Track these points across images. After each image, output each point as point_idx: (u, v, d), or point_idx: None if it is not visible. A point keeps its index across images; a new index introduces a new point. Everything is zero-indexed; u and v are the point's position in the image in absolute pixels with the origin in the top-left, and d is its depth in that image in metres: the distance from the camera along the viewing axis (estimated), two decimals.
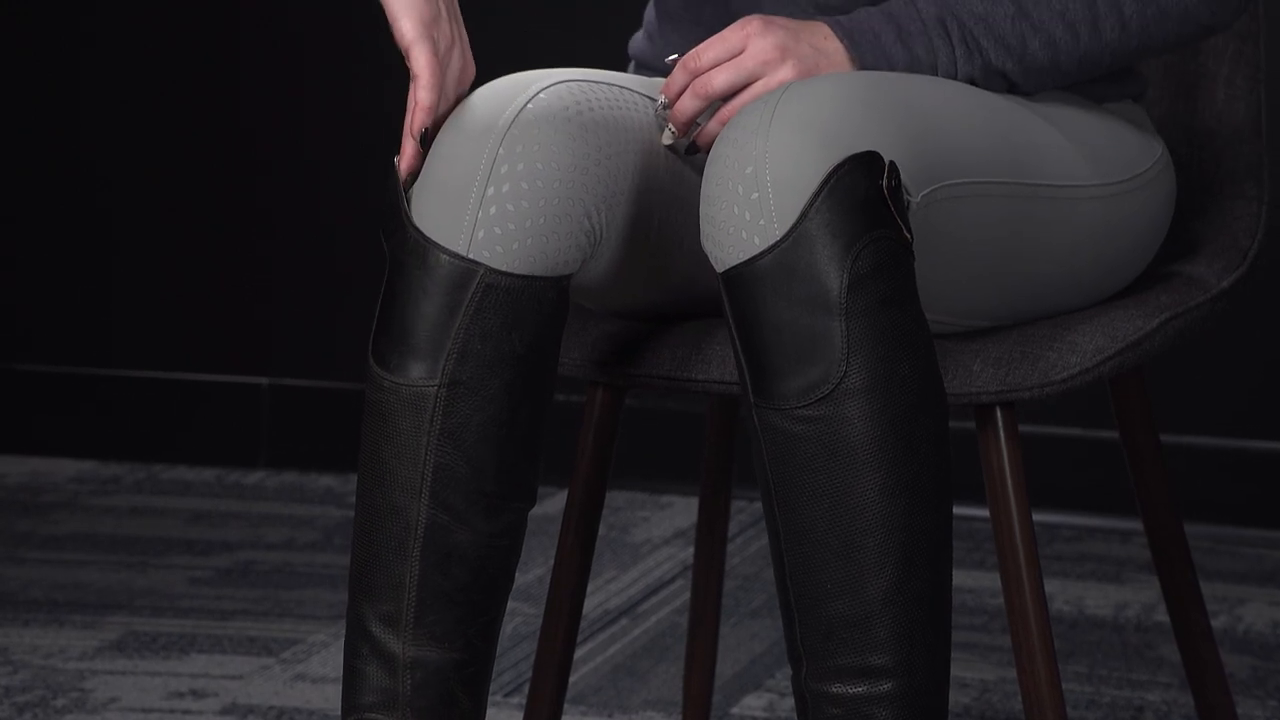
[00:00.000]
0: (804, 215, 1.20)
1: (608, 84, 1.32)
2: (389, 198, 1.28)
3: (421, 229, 1.27)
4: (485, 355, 1.26)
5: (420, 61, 1.28)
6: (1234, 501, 2.27)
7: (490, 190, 1.26)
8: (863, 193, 1.20)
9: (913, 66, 1.32)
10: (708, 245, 1.24)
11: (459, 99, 1.31)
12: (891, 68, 1.31)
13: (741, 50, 1.30)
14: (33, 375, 2.58)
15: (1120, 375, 1.45)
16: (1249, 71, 1.51)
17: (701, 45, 1.31)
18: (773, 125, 1.22)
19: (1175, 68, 1.53)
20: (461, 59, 1.31)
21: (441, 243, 1.26)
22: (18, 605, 2.06)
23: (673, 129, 1.33)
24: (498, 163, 1.26)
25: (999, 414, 1.33)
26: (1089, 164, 1.37)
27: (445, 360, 1.25)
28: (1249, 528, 2.26)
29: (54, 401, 2.57)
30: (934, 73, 1.32)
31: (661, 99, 1.33)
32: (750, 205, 1.21)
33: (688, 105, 1.31)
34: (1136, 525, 2.20)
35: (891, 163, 1.21)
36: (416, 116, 1.28)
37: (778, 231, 1.20)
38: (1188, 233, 1.51)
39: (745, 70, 1.29)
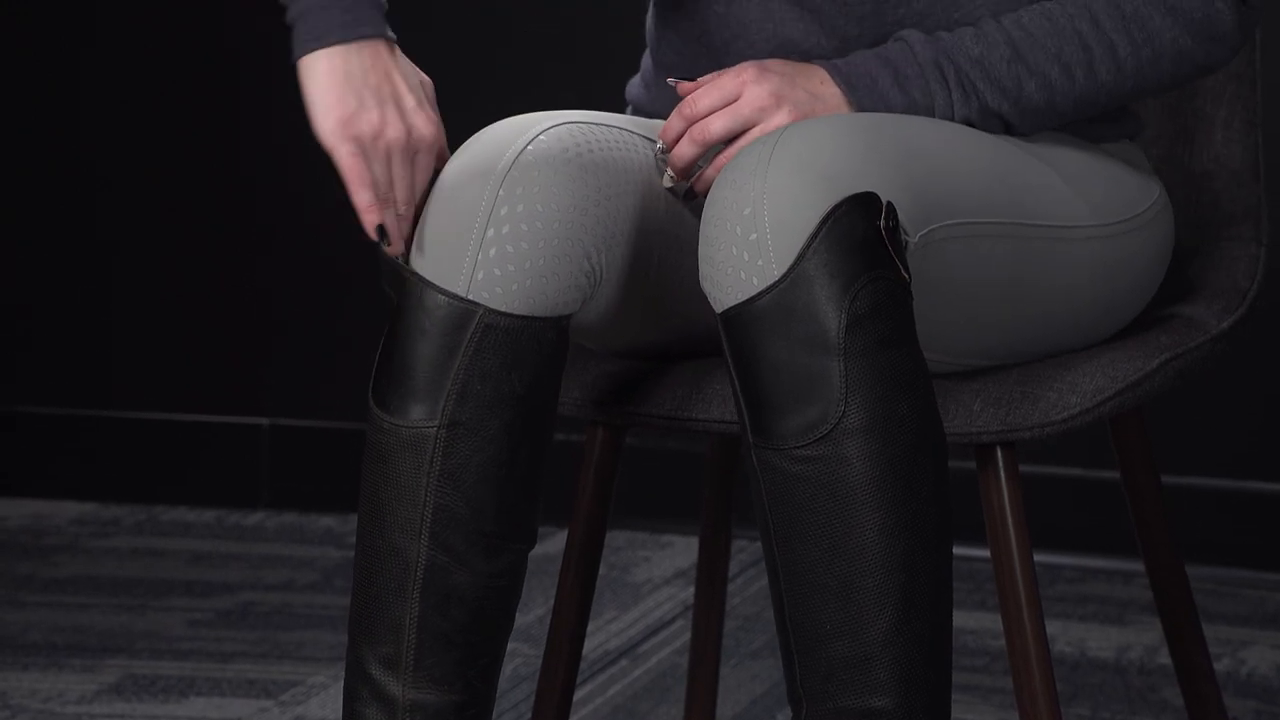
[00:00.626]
0: (802, 256, 1.20)
1: (608, 125, 1.32)
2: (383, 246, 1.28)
3: (421, 271, 1.27)
4: (485, 396, 1.26)
5: (341, 165, 1.26)
6: (1236, 543, 2.26)
7: (490, 232, 1.26)
8: (860, 233, 1.20)
9: (910, 109, 1.32)
10: (706, 285, 1.24)
11: (440, 158, 1.30)
12: (889, 110, 1.32)
13: (737, 97, 1.30)
14: (34, 418, 2.58)
15: (1120, 415, 1.45)
16: (1246, 115, 1.51)
17: (698, 91, 1.31)
18: (770, 166, 1.22)
19: (1174, 110, 1.53)
20: (399, 130, 1.27)
21: (441, 284, 1.26)
22: (17, 649, 2.06)
23: (672, 173, 1.33)
24: (498, 204, 1.26)
25: (999, 454, 1.33)
26: (1086, 205, 1.37)
27: (445, 401, 1.26)
28: (1251, 570, 2.26)
29: (55, 444, 2.57)
30: (931, 115, 1.33)
31: (660, 144, 1.33)
32: (748, 246, 1.21)
33: (685, 151, 1.32)
34: (1139, 566, 2.20)
35: (889, 203, 1.22)
36: (365, 219, 1.27)
37: (776, 272, 1.21)
38: (1187, 274, 1.51)
39: (741, 116, 1.30)
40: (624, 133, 1.33)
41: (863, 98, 1.31)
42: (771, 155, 1.23)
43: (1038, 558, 2.22)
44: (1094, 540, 2.30)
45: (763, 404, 1.21)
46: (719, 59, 1.38)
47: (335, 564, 2.35)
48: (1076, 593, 2.23)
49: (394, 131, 1.27)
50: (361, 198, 1.26)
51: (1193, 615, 1.53)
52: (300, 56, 1.27)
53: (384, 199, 1.27)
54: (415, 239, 1.28)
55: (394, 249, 1.28)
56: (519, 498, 1.28)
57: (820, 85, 1.31)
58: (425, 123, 1.28)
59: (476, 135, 1.30)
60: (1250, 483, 2.27)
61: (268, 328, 2.53)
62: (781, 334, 1.20)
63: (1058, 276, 1.36)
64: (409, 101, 1.27)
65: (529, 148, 1.28)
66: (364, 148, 1.26)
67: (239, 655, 2.05)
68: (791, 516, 1.21)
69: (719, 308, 1.23)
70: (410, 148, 1.27)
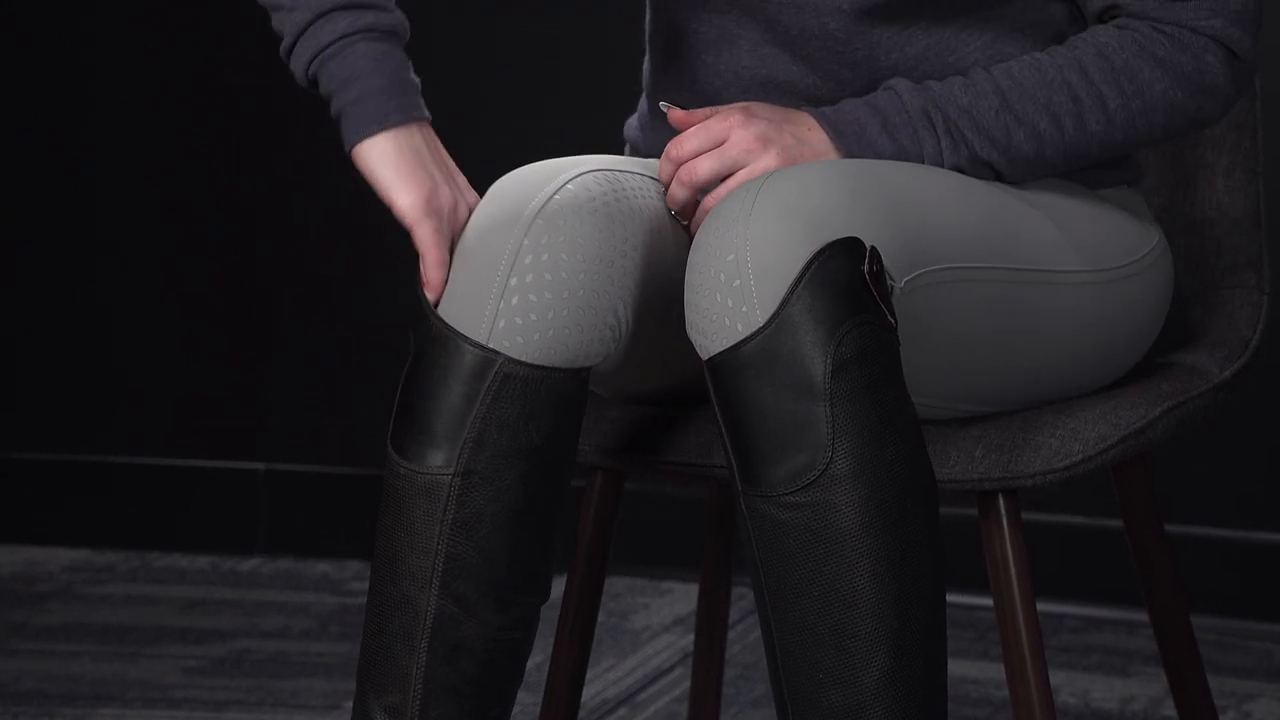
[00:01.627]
0: (786, 301, 1.20)
1: (628, 172, 1.32)
2: (416, 289, 1.28)
3: (444, 318, 1.26)
4: (501, 445, 1.25)
5: (426, 242, 1.28)
6: (1242, 594, 2.25)
7: (514, 280, 1.26)
8: (845, 278, 1.20)
9: (899, 156, 1.32)
10: (692, 333, 1.24)
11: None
12: (877, 157, 1.32)
13: (724, 139, 1.30)
14: (27, 463, 2.56)
15: (1123, 463, 1.45)
16: (1248, 164, 1.52)
17: (685, 134, 1.31)
18: (754, 212, 1.22)
19: (1175, 159, 1.54)
20: (464, 207, 1.30)
21: (463, 331, 1.26)
22: (8, 698, 2.04)
23: (675, 214, 1.33)
24: (522, 252, 1.26)
25: (1001, 501, 1.33)
26: (1080, 250, 1.37)
27: (461, 449, 1.25)
28: (1257, 621, 2.24)
29: (48, 490, 2.56)
30: (920, 162, 1.32)
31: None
32: (733, 292, 1.21)
33: (676, 193, 1.32)
34: (1143, 616, 2.18)
35: (873, 248, 1.21)
36: (427, 291, 1.28)
37: (760, 318, 1.20)
38: (1189, 321, 1.51)
39: (728, 159, 1.30)
40: (642, 178, 1.33)
41: (851, 144, 1.31)
42: (755, 201, 1.22)
43: (1041, 607, 2.20)
44: (1098, 589, 2.29)
45: (750, 451, 1.20)
46: (713, 104, 1.38)
47: (331, 610, 2.33)
48: (1080, 643, 2.22)
49: (462, 208, 1.30)
50: (438, 275, 1.27)
51: (1198, 667, 1.52)
52: (360, 141, 1.30)
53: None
54: (447, 285, 1.28)
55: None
56: (533, 549, 1.27)
57: (808, 131, 1.31)
58: (475, 199, 1.31)
59: (501, 181, 1.30)
60: (1256, 533, 2.26)
61: (263, 372, 2.52)
62: (767, 380, 1.19)
63: (1050, 322, 1.36)
64: (461, 179, 1.32)
65: (556, 196, 1.27)
66: (443, 223, 1.28)
67: (233, 704, 2.03)
68: (782, 564, 1.20)
69: (705, 355, 1.23)
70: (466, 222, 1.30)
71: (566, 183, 1.28)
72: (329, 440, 2.51)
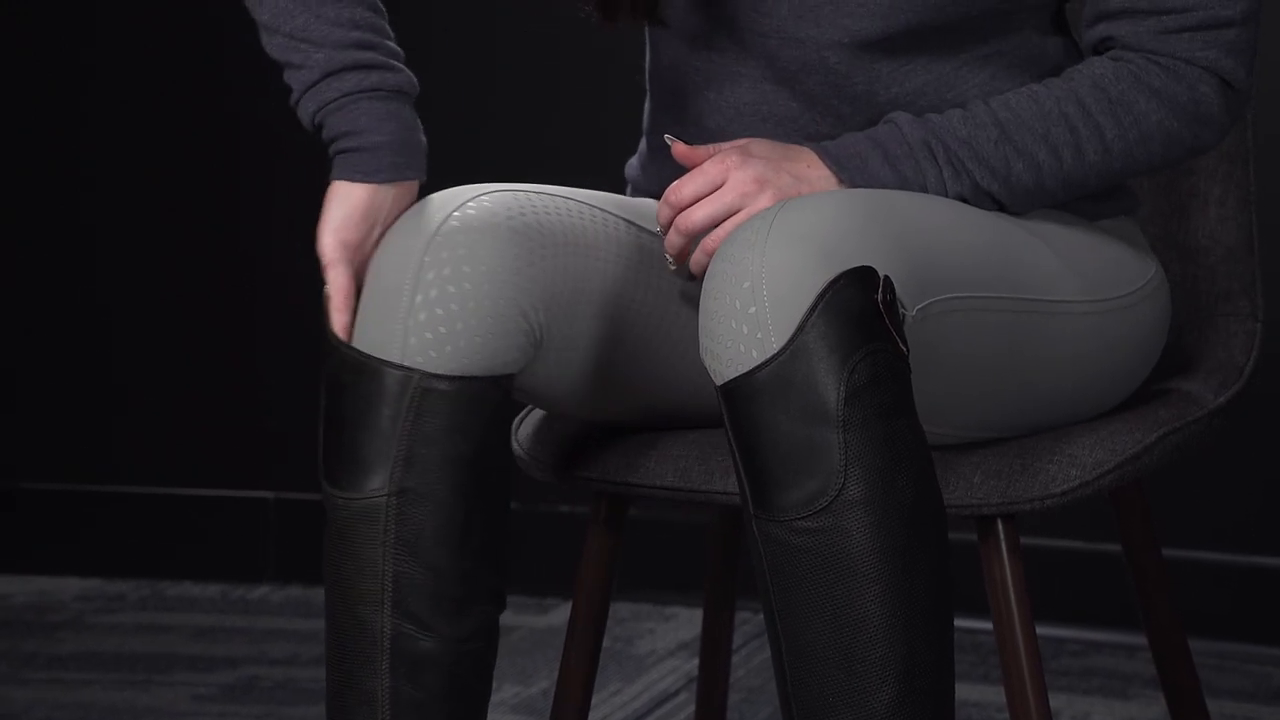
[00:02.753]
0: (801, 328, 1.21)
1: (554, 195, 1.33)
2: (321, 320, 1.30)
3: (355, 343, 1.28)
4: (431, 460, 1.26)
5: (335, 284, 1.31)
6: (1239, 617, 2.26)
7: (419, 297, 1.27)
8: (858, 306, 1.21)
9: (902, 186, 1.33)
10: (706, 359, 1.24)
11: None
12: (881, 189, 1.33)
13: (721, 183, 1.31)
14: (37, 494, 2.57)
15: (1121, 488, 1.46)
16: (1240, 193, 1.53)
17: (682, 179, 1.32)
18: (769, 240, 1.23)
19: (1168, 188, 1.55)
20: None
21: (376, 355, 1.27)
22: None
23: (670, 259, 1.34)
24: (423, 269, 1.27)
25: (1000, 526, 1.33)
26: (1081, 281, 1.38)
27: (393, 469, 1.26)
28: (1255, 644, 2.25)
29: (59, 520, 2.56)
30: (924, 191, 1.34)
31: (659, 228, 1.35)
32: (747, 319, 1.22)
33: (673, 240, 1.33)
34: (1142, 640, 2.19)
35: (886, 277, 1.23)
36: (335, 329, 1.30)
37: (775, 344, 1.21)
38: (1184, 349, 1.52)
39: (724, 204, 1.31)
40: (578, 204, 1.34)
41: (854, 176, 1.32)
42: (770, 229, 1.23)
43: (1040, 630, 2.20)
44: (1097, 613, 2.29)
45: (763, 476, 1.22)
46: (715, 140, 1.39)
47: None
48: (1080, 666, 2.22)
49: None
50: (342, 317, 1.30)
51: (1197, 690, 1.53)
52: (340, 180, 1.33)
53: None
54: (358, 315, 1.30)
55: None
56: (480, 560, 1.28)
57: (807, 168, 1.32)
58: None
59: (411, 207, 1.32)
60: (1254, 557, 2.27)
61: (273, 401, 2.53)
62: (781, 406, 1.20)
63: (1053, 350, 1.37)
64: None
65: (455, 213, 1.29)
66: (356, 269, 1.31)
67: None
68: (793, 588, 1.21)
69: (719, 380, 1.24)
70: None
71: (467, 201, 1.30)
72: None
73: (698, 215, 1.31)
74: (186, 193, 2.54)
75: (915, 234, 1.28)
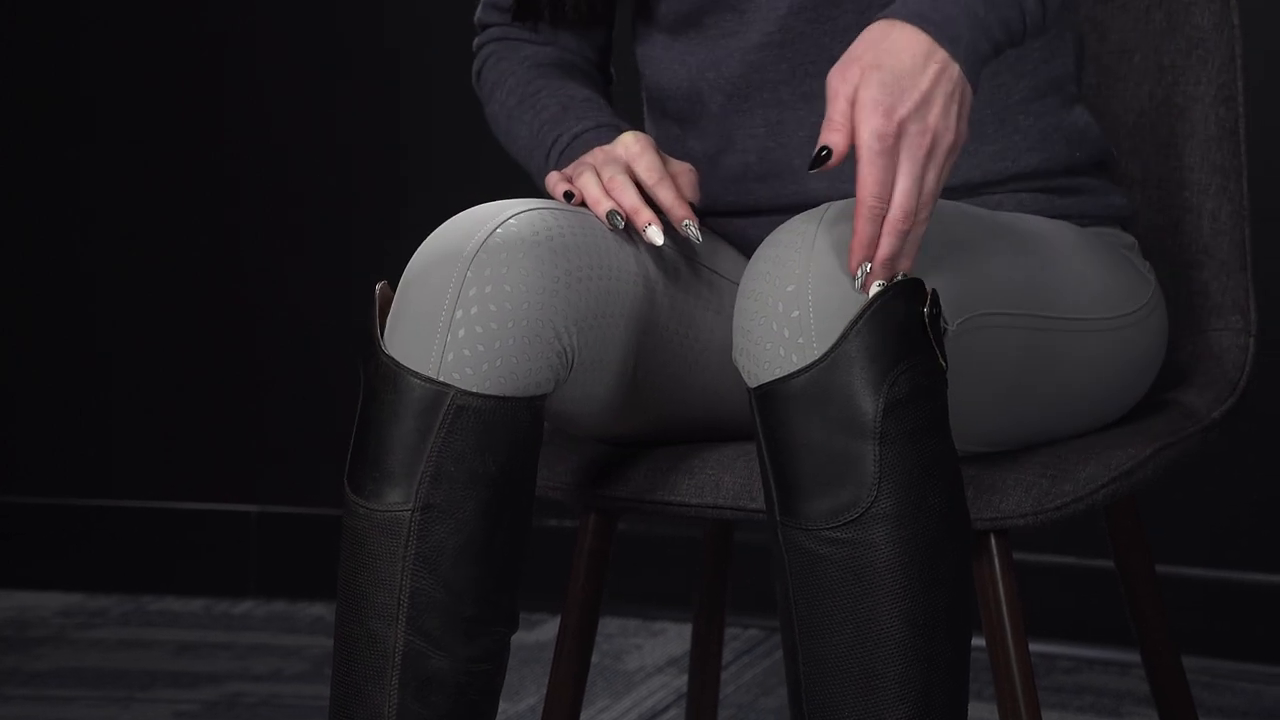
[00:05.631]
0: (844, 337, 1.19)
1: (576, 212, 1.33)
2: (365, 326, 1.29)
3: (393, 354, 1.27)
4: (459, 478, 1.25)
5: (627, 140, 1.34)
6: (1233, 635, 2.25)
7: (459, 313, 1.26)
8: (903, 318, 1.20)
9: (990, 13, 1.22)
10: (741, 359, 1.23)
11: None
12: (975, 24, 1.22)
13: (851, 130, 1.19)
14: (18, 508, 2.56)
15: (1114, 504, 1.45)
16: (1233, 207, 1.52)
17: (862, 176, 1.18)
18: (816, 244, 1.21)
19: (1160, 203, 1.55)
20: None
21: (412, 367, 1.26)
22: None
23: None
24: (466, 285, 1.26)
25: (994, 541, 1.33)
26: (1098, 297, 1.38)
27: (418, 484, 1.25)
28: (1247, 662, 2.24)
29: (40, 534, 2.55)
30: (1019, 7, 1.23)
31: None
32: (790, 323, 1.20)
33: (887, 247, 1.20)
34: (1135, 657, 2.18)
35: (934, 291, 1.21)
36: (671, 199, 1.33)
37: (816, 351, 1.20)
38: (1178, 364, 1.52)
39: (914, 176, 1.19)
40: (584, 218, 1.33)
41: (940, 26, 1.21)
42: (818, 232, 1.22)
43: (1033, 647, 2.20)
44: (1090, 630, 2.29)
45: (793, 483, 1.20)
46: (713, 164, 1.39)
47: (324, 653, 2.33)
48: (1073, 683, 2.21)
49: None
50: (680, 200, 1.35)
51: (1189, 708, 1.52)
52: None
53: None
54: (387, 323, 1.29)
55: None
56: (498, 580, 1.27)
57: (896, 50, 1.20)
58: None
59: (448, 220, 1.31)
60: (1248, 574, 2.26)
61: (256, 415, 2.52)
62: (817, 414, 1.19)
63: (1069, 366, 1.37)
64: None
65: (498, 230, 1.28)
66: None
67: None
68: (815, 598, 1.20)
69: (753, 382, 1.22)
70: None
71: (509, 218, 1.29)
72: (322, 483, 2.50)
73: (899, 222, 1.19)
74: (177, 210, 2.53)
75: (958, 247, 1.27)
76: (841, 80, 1.19)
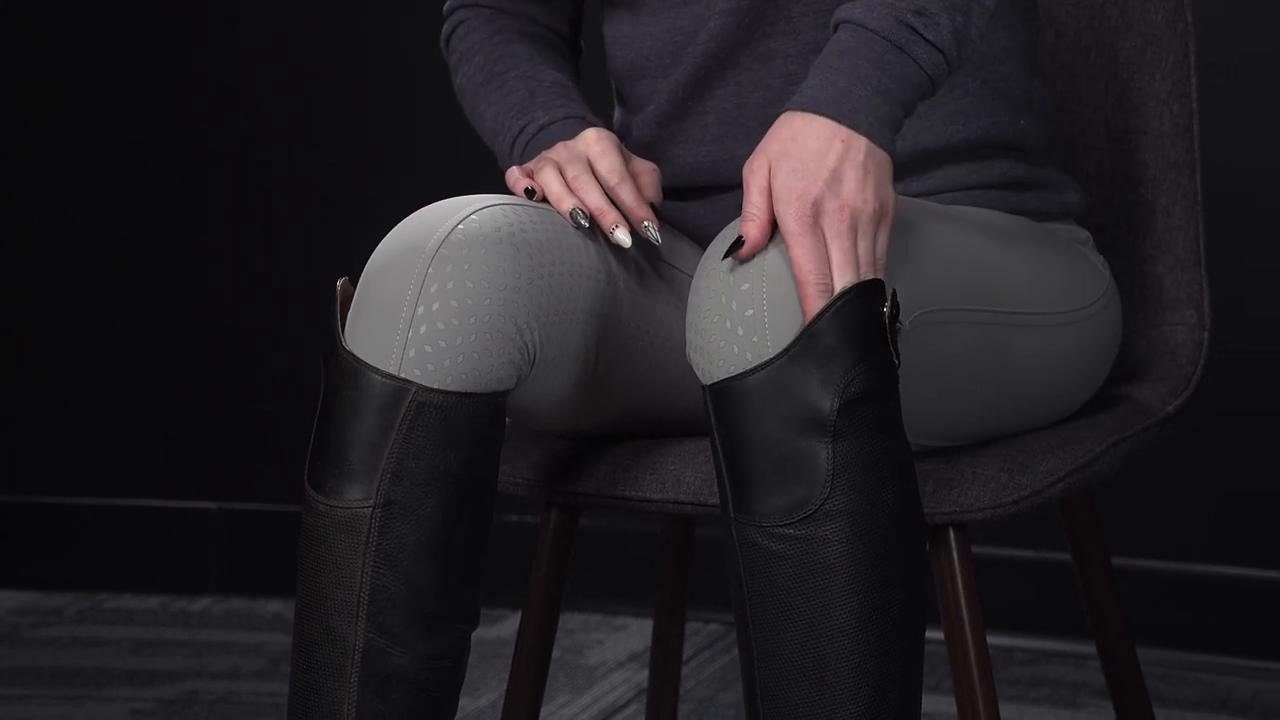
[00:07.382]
0: (801, 336, 1.20)
1: (537, 208, 1.33)
2: (326, 321, 1.28)
3: (354, 350, 1.27)
4: (420, 474, 1.25)
5: (588, 138, 1.33)
6: (1188, 627, 2.27)
7: (420, 309, 1.26)
8: (862, 319, 1.20)
9: (883, 79, 1.24)
10: (694, 356, 1.23)
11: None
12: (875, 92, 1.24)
13: (769, 213, 1.21)
14: None
15: (1071, 497, 1.46)
16: (1187, 203, 1.53)
17: (796, 258, 1.20)
18: (772, 245, 1.22)
19: (1116, 198, 1.56)
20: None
21: (373, 363, 1.26)
22: None
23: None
24: (427, 282, 1.26)
25: (952, 535, 1.33)
26: (1051, 293, 1.39)
27: (379, 481, 1.25)
28: (1203, 654, 2.26)
29: None
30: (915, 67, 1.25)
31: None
32: (744, 321, 1.21)
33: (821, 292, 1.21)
34: (1091, 649, 2.19)
35: (894, 291, 1.22)
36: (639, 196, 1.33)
37: (771, 350, 1.20)
38: (1132, 358, 1.53)
39: (849, 238, 1.21)
40: (547, 213, 1.33)
41: (844, 113, 1.23)
42: (774, 233, 1.22)
43: (991, 639, 2.21)
44: (1046, 622, 2.30)
45: (746, 480, 1.20)
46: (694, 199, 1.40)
47: (283, 650, 2.32)
48: (1029, 675, 2.23)
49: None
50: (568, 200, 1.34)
51: (1144, 699, 1.53)
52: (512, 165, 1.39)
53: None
54: (348, 319, 1.28)
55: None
56: (459, 577, 1.27)
57: (804, 141, 1.23)
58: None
59: (409, 216, 1.31)
60: (1201, 566, 2.28)
61: (216, 411, 2.51)
62: (772, 412, 1.19)
63: (1024, 361, 1.37)
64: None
65: (460, 226, 1.28)
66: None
67: None
68: (768, 595, 1.20)
69: (707, 380, 1.22)
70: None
71: (471, 214, 1.29)
72: (283, 479, 2.50)
73: (844, 270, 1.21)
74: (131, 208, 2.52)
75: (914, 245, 1.27)
76: (753, 174, 1.23)
